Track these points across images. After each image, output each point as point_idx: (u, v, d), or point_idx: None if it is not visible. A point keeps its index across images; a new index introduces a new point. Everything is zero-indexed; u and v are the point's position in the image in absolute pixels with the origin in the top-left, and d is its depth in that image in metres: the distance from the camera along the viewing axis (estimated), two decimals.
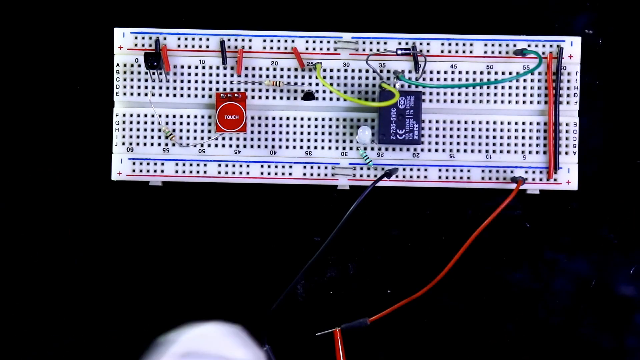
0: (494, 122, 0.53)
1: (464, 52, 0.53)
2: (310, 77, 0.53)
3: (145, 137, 0.53)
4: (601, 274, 0.54)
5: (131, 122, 0.53)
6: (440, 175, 0.53)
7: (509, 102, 0.53)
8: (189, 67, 0.52)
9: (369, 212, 0.54)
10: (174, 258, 0.54)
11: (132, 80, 0.52)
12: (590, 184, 0.54)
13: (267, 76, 0.53)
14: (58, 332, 0.54)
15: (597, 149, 0.54)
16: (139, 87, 0.53)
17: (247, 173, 0.53)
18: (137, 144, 0.53)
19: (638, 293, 0.54)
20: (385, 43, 0.53)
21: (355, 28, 0.53)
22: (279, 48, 0.53)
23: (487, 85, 0.52)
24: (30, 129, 0.54)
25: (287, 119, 0.53)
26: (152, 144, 0.53)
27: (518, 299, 0.54)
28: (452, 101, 0.53)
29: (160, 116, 0.53)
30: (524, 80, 0.53)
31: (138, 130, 0.53)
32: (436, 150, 0.53)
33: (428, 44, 0.53)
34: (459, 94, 0.53)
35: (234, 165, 0.53)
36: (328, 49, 0.53)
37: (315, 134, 0.53)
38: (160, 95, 0.53)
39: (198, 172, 0.53)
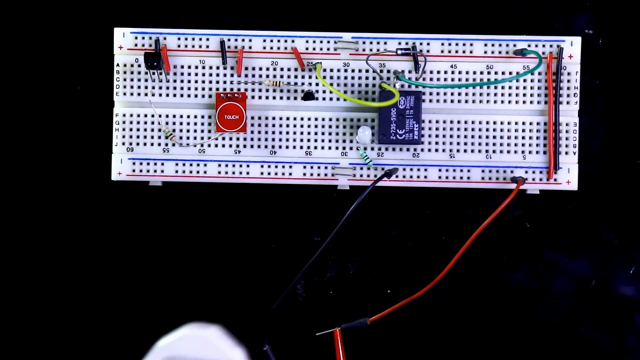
0: (494, 122, 0.53)
1: (464, 52, 0.53)
2: (310, 77, 0.53)
3: (145, 137, 0.53)
4: (601, 274, 0.54)
5: (131, 122, 0.53)
6: (440, 175, 0.53)
7: (509, 102, 0.53)
8: (189, 67, 0.52)
9: (369, 212, 0.54)
10: (174, 258, 0.54)
11: (132, 80, 0.52)
12: (590, 184, 0.54)
13: (267, 76, 0.53)
14: (58, 332, 0.54)
15: (597, 149, 0.54)
16: (139, 87, 0.53)
17: (247, 173, 0.53)
18: (137, 144, 0.53)
19: (638, 293, 0.54)
20: (385, 43, 0.53)
21: (355, 28, 0.53)
22: (279, 48, 0.53)
23: (487, 85, 0.52)
24: (30, 129, 0.54)
25: (287, 119, 0.53)
26: (152, 144, 0.53)
27: (518, 299, 0.54)
28: (452, 101, 0.53)
29: (160, 116, 0.53)
30: (524, 80, 0.53)
31: (138, 130, 0.53)
32: (436, 150, 0.53)
33: (428, 44, 0.53)
34: (459, 94, 0.53)
35: (234, 165, 0.53)
36: (328, 49, 0.53)
37: (315, 134, 0.53)
38: (160, 95, 0.53)
39: (198, 172, 0.53)
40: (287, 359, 0.53)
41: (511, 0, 0.54)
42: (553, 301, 0.54)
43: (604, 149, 0.54)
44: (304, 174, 0.53)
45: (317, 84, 0.52)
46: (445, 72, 0.53)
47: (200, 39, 0.52)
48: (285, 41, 0.52)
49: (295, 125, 0.53)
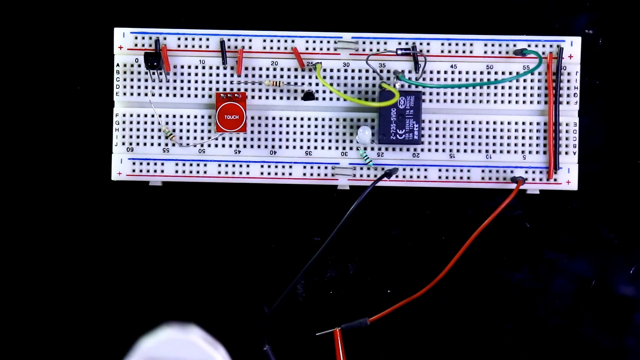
0: (494, 122, 0.53)
1: (464, 52, 0.53)
2: (310, 77, 0.53)
3: (145, 137, 0.53)
4: (601, 274, 0.54)
5: (131, 122, 0.53)
6: (440, 175, 0.53)
7: (509, 102, 0.53)
8: (189, 67, 0.52)
9: (369, 212, 0.54)
10: (174, 258, 0.54)
11: (132, 80, 0.52)
12: (590, 184, 0.54)
13: (267, 76, 0.53)
14: (58, 332, 0.54)
15: (597, 149, 0.54)
16: (139, 87, 0.53)
17: (247, 173, 0.53)
18: (137, 144, 0.53)
19: (638, 293, 0.54)
20: (385, 43, 0.53)
21: (355, 28, 0.53)
22: (279, 48, 0.53)
23: (487, 85, 0.52)
24: (30, 129, 0.54)
25: (287, 119, 0.53)
26: (152, 144, 0.53)
27: (518, 299, 0.54)
28: (452, 101, 0.53)
29: (160, 116, 0.53)
30: (524, 80, 0.53)
31: (138, 130, 0.53)
32: (436, 150, 0.53)
33: (428, 44, 0.53)
34: (459, 94, 0.53)
35: (234, 165, 0.53)
36: (328, 49, 0.53)
37: (315, 134, 0.53)
38: (160, 95, 0.53)
39: (198, 172, 0.53)
40: (287, 359, 0.53)
41: (511, 0, 0.54)
42: (553, 301, 0.54)
43: (604, 149, 0.54)
44: (304, 174, 0.53)
45: (317, 84, 0.52)
46: (445, 72, 0.53)
47: (200, 39, 0.52)
48: (285, 41, 0.52)
49: (295, 125, 0.53)
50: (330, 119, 0.53)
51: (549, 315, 0.54)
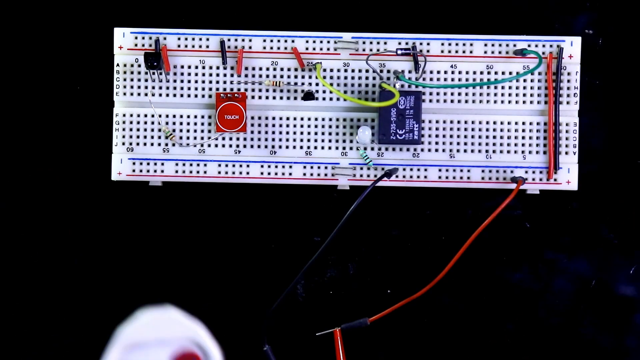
0: (494, 122, 0.53)
1: (464, 52, 0.53)
2: (310, 77, 0.53)
3: (145, 137, 0.53)
4: (601, 274, 0.54)
5: (131, 122, 0.53)
6: (440, 175, 0.53)
7: (509, 102, 0.53)
8: (189, 67, 0.52)
9: (369, 212, 0.54)
10: (173, 258, 0.54)
11: (132, 80, 0.52)
12: (590, 184, 0.54)
13: (267, 76, 0.53)
14: (58, 332, 0.54)
15: (597, 149, 0.54)
16: (139, 87, 0.53)
17: (247, 173, 0.53)
18: (137, 144, 0.53)
19: (638, 293, 0.54)
20: (385, 43, 0.53)
21: (355, 28, 0.53)
22: (279, 48, 0.53)
23: (487, 85, 0.52)
24: (30, 129, 0.54)
25: (287, 119, 0.53)
26: (152, 144, 0.53)
27: (518, 299, 0.54)
28: (452, 101, 0.53)
29: (160, 116, 0.53)
30: (524, 80, 0.53)
31: (138, 130, 0.53)
32: (436, 150, 0.53)
33: (428, 44, 0.53)
34: (459, 94, 0.53)
35: (234, 165, 0.53)
36: (328, 49, 0.53)
37: (315, 134, 0.53)
38: (160, 95, 0.53)
39: (198, 172, 0.53)
40: (287, 359, 0.53)
41: (511, 0, 0.54)
42: (553, 301, 0.54)
43: (604, 149, 0.54)
44: (304, 174, 0.53)
45: (317, 84, 0.52)
46: (445, 72, 0.53)
47: (200, 39, 0.52)
48: (285, 41, 0.52)
49: (295, 125, 0.53)
50: (330, 119, 0.53)
51: (549, 315, 0.54)
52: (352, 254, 0.54)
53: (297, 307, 0.54)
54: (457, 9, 0.54)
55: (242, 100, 0.52)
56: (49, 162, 0.54)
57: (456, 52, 0.52)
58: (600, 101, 0.54)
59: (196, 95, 0.53)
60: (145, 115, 0.53)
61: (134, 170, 0.53)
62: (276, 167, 0.53)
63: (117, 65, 0.52)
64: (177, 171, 0.53)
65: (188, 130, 0.53)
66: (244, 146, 0.53)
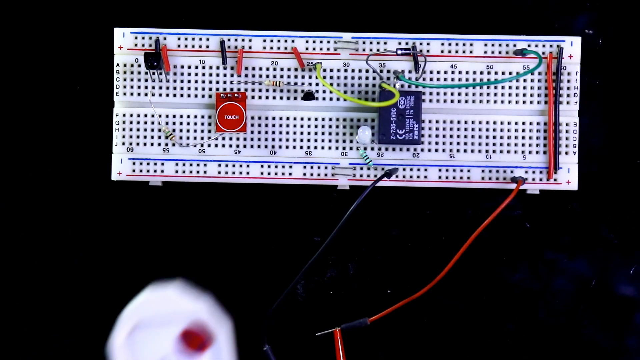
0: (494, 122, 0.53)
1: (464, 52, 0.53)
2: (310, 77, 0.53)
3: (145, 137, 0.53)
4: (601, 274, 0.54)
5: (131, 122, 0.53)
6: (440, 175, 0.53)
7: (509, 102, 0.53)
8: (189, 67, 0.52)
9: (369, 212, 0.54)
10: (174, 258, 0.54)
11: (132, 80, 0.53)
12: (590, 184, 0.54)
13: (267, 76, 0.53)
14: (58, 332, 0.54)
15: (597, 149, 0.54)
16: (139, 87, 0.53)
17: (247, 173, 0.53)
18: (137, 144, 0.53)
19: (638, 293, 0.54)
20: (385, 43, 0.53)
21: (355, 28, 0.53)
22: (279, 48, 0.53)
23: (487, 85, 0.52)
24: (30, 129, 0.54)
25: (287, 119, 0.53)
26: (152, 144, 0.53)
27: (518, 299, 0.54)
28: (452, 101, 0.53)
29: (160, 116, 0.53)
30: (524, 80, 0.53)
31: (138, 130, 0.53)
32: (436, 150, 0.53)
33: (428, 44, 0.53)
34: (459, 94, 0.53)
35: (234, 165, 0.53)
36: (328, 49, 0.53)
37: (315, 134, 0.53)
38: (160, 95, 0.53)
39: (198, 172, 0.53)
40: (287, 359, 0.53)
41: (511, 0, 0.54)
42: (553, 301, 0.54)
43: (604, 149, 0.54)
44: (304, 174, 0.53)
45: (317, 84, 0.52)
46: (445, 72, 0.53)
47: (200, 39, 0.52)
48: (285, 41, 0.53)
49: (295, 125, 0.53)
50: (330, 119, 0.53)
51: (549, 315, 0.54)
52: (352, 254, 0.54)
53: (297, 307, 0.54)
54: (457, 9, 0.54)
55: (242, 100, 0.52)
56: (49, 162, 0.54)
57: (456, 52, 0.52)
58: (600, 101, 0.54)
59: (196, 95, 0.53)
60: (145, 115, 0.53)
61: (134, 170, 0.53)
62: (276, 167, 0.53)
63: (117, 65, 0.52)
64: (177, 171, 0.53)
65: (188, 130, 0.53)
66: (244, 146, 0.53)
